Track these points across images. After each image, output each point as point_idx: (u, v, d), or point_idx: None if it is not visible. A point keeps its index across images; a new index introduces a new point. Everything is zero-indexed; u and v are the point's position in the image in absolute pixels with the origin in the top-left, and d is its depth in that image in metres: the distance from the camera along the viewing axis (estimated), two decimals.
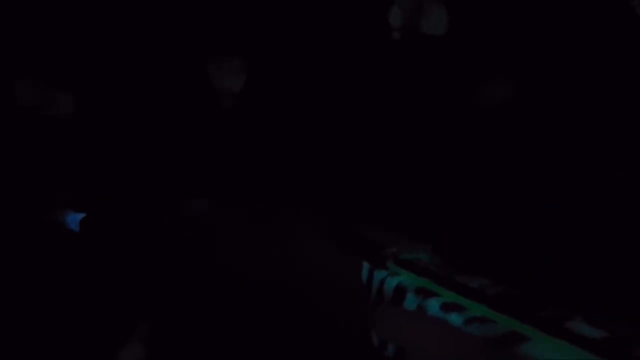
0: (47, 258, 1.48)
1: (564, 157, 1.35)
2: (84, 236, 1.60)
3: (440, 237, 1.35)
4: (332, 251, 1.48)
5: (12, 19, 1.71)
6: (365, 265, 1.39)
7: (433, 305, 1.22)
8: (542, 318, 1.08)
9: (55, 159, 1.72)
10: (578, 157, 1.34)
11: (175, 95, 1.72)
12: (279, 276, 1.51)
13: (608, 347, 1.00)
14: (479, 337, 1.10)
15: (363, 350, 1.30)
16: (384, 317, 1.29)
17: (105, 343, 1.35)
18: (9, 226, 1.50)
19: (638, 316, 1.09)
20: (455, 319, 1.17)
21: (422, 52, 1.47)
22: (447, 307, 1.20)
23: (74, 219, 1.63)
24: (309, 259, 1.48)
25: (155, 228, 1.62)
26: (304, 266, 1.48)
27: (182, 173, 1.75)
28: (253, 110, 1.65)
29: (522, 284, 1.16)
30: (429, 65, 1.50)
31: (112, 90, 1.80)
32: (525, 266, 1.23)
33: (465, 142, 1.45)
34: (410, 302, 1.26)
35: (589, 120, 1.36)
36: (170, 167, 1.75)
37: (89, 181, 1.69)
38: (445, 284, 1.25)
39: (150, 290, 1.54)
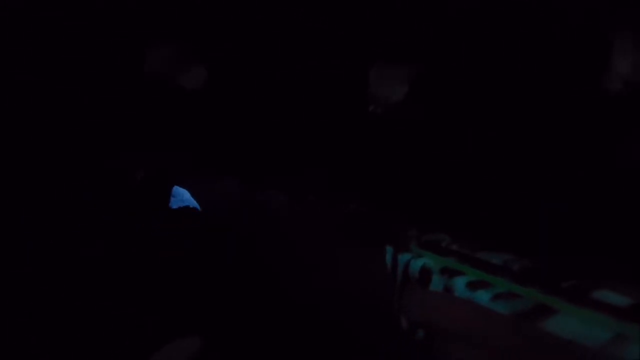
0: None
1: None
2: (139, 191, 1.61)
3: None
4: (355, 237, 1.49)
5: None
6: (389, 249, 1.40)
7: (459, 285, 1.23)
8: (567, 289, 1.08)
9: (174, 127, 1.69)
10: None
11: (322, 90, 1.64)
12: (309, 266, 1.52)
13: (636, 313, 1.00)
14: (506, 314, 1.11)
15: (393, 335, 1.32)
16: (412, 301, 1.30)
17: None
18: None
19: None
20: (482, 296, 1.18)
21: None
22: (473, 285, 1.21)
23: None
24: (334, 248, 1.50)
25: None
26: (331, 256, 1.50)
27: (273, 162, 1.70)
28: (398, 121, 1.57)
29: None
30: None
31: (253, 71, 1.69)
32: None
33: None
34: (436, 283, 1.27)
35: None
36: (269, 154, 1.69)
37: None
38: (469, 262, 1.26)
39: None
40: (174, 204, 1.69)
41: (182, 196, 1.68)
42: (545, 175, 1.33)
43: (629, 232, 1.13)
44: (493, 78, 1.44)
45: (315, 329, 1.44)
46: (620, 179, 1.21)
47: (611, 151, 1.27)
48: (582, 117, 1.34)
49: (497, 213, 1.32)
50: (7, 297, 1.38)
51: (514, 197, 1.33)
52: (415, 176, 1.52)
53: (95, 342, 1.35)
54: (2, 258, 1.43)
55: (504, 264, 1.22)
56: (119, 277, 1.46)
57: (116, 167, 1.66)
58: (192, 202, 1.67)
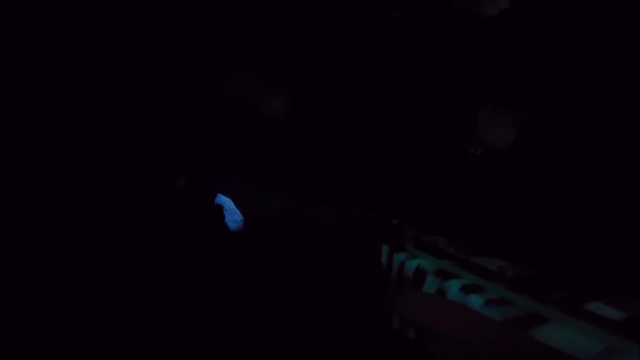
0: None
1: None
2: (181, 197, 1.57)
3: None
4: (351, 235, 1.48)
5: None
6: (385, 248, 1.39)
7: (453, 288, 1.22)
8: (561, 299, 1.08)
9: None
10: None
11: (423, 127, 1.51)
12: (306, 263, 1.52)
13: (629, 328, 0.99)
14: (498, 320, 1.10)
15: (385, 333, 1.31)
16: (405, 301, 1.29)
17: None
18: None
19: None
20: (474, 301, 1.17)
21: None
22: (466, 289, 1.20)
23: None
24: (330, 244, 1.49)
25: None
26: (327, 252, 1.49)
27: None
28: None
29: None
30: None
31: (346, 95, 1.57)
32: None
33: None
34: (430, 284, 1.26)
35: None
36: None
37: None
38: (464, 266, 1.25)
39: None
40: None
41: (224, 204, 1.64)
42: (543, 183, 1.32)
43: (626, 244, 1.12)
44: None
45: (310, 326, 1.44)
46: (617, 190, 1.20)
47: (608, 161, 1.26)
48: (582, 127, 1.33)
49: (495, 218, 1.32)
50: (7, 297, 1.36)
51: (512, 204, 1.32)
52: (417, 177, 1.50)
53: (95, 341, 1.34)
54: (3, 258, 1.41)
55: (499, 270, 1.21)
56: (130, 280, 1.44)
57: (157, 168, 1.61)
58: (235, 212, 1.64)
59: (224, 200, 1.63)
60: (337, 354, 1.37)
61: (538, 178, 1.37)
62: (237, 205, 1.64)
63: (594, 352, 0.96)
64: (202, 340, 1.39)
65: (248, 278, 1.50)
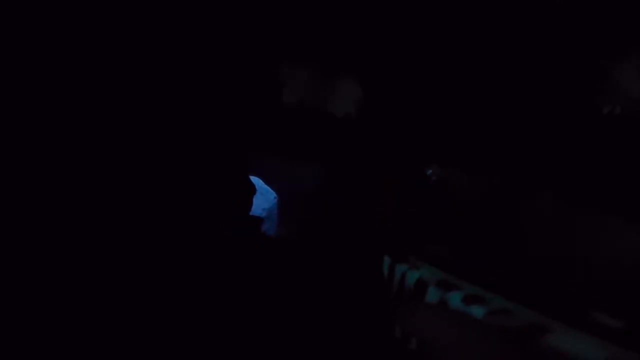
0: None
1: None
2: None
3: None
4: (353, 246, 1.49)
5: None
6: (386, 259, 1.40)
7: (455, 298, 1.23)
8: (562, 310, 1.09)
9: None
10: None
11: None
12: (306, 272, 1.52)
13: (629, 337, 1.01)
14: (501, 329, 1.12)
15: (387, 344, 1.32)
16: (407, 311, 1.30)
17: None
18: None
19: None
20: (477, 311, 1.18)
21: None
22: (468, 299, 1.21)
23: None
24: (330, 254, 1.50)
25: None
26: (328, 261, 1.50)
27: None
28: None
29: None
30: None
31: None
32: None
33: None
34: (432, 295, 1.27)
35: None
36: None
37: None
38: (466, 277, 1.26)
39: None
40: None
41: (255, 184, 1.53)
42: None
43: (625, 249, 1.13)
44: None
45: (310, 335, 1.44)
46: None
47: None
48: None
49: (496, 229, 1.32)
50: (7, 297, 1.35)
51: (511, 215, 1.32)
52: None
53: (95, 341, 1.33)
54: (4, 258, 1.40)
55: (501, 280, 1.22)
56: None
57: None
58: (268, 190, 1.54)
59: (254, 181, 1.53)
60: None
61: None
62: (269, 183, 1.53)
63: None
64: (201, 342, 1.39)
65: (246, 283, 1.50)
